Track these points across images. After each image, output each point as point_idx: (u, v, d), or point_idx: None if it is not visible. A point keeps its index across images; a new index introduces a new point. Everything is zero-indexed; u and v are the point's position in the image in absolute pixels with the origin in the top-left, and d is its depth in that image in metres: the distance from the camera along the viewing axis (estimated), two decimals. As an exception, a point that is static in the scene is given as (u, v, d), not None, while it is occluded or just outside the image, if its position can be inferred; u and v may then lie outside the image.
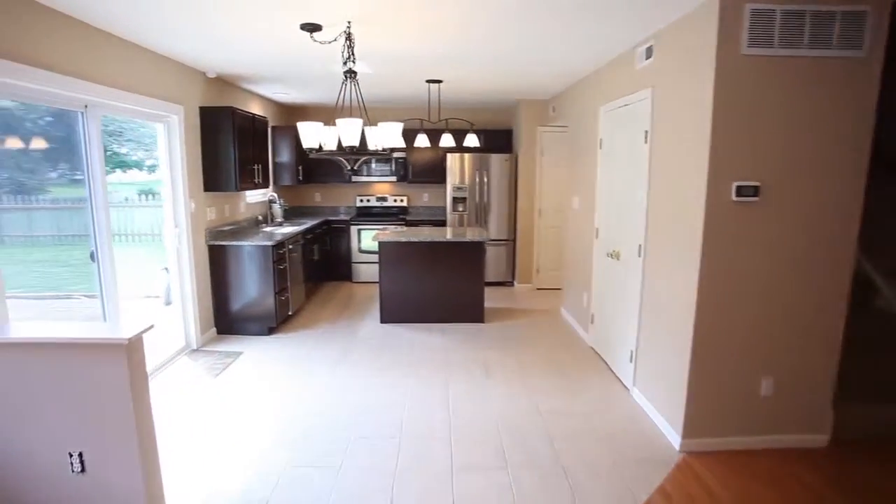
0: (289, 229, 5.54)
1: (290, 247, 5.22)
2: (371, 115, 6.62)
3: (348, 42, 3.08)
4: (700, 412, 2.86)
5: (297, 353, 4.37)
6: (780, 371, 2.82)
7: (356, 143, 3.02)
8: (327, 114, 3.08)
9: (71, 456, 2.15)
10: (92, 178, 3.29)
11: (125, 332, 2.05)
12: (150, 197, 4.68)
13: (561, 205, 6.20)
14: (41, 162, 3.16)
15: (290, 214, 7.00)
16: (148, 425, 2.22)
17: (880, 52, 2.53)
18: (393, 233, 5.44)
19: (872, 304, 3.03)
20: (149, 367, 3.83)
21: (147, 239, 4.94)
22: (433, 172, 7.08)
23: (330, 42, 3.17)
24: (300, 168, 6.71)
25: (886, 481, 2.64)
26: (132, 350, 2.09)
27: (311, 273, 6.12)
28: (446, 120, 5.55)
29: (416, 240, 5.08)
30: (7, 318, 2.58)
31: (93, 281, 3.42)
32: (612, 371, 3.98)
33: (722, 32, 2.52)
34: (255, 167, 5.10)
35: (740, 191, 2.63)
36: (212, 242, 4.68)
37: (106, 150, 5.12)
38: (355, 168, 3.30)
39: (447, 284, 5.16)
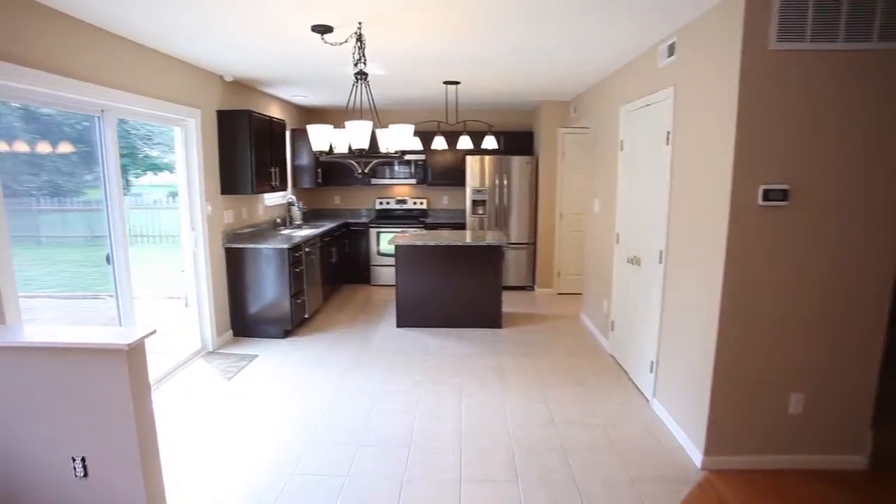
0: (306, 232, 5.54)
1: (307, 249, 5.22)
2: (387, 117, 6.68)
3: (359, 43, 3.03)
4: (723, 428, 2.70)
5: (310, 357, 4.35)
6: (810, 387, 2.64)
7: (366, 145, 2.97)
8: (345, 117, 3.04)
9: (74, 460, 2.14)
10: (108, 181, 3.32)
11: (125, 338, 2.03)
12: (177, 199, 4.77)
13: (582, 208, 6.05)
14: (78, 165, 3.28)
15: (310, 217, 7.03)
16: (149, 430, 2.20)
17: (925, 45, 2.35)
18: (409, 236, 5.38)
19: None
20: (164, 369, 3.92)
21: (174, 240, 5.02)
22: (453, 175, 7.01)
23: (341, 44, 3.13)
24: (319, 171, 6.73)
25: (930, 509, 2.45)
26: (133, 356, 2.07)
27: (329, 276, 6.11)
28: (464, 122, 5.47)
29: (432, 243, 5.01)
30: (20, 317, 2.61)
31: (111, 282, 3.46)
32: (631, 381, 3.83)
33: (748, 26, 2.37)
34: (272, 170, 5.11)
35: (768, 195, 2.47)
36: (228, 245, 4.70)
37: (137, 154, 5.24)
38: (366, 171, 3.25)
39: (464, 289, 5.07)
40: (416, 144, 5.11)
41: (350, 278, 7.00)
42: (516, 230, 6.69)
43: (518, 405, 3.46)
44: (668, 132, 3.18)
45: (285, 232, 5.60)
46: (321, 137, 3.02)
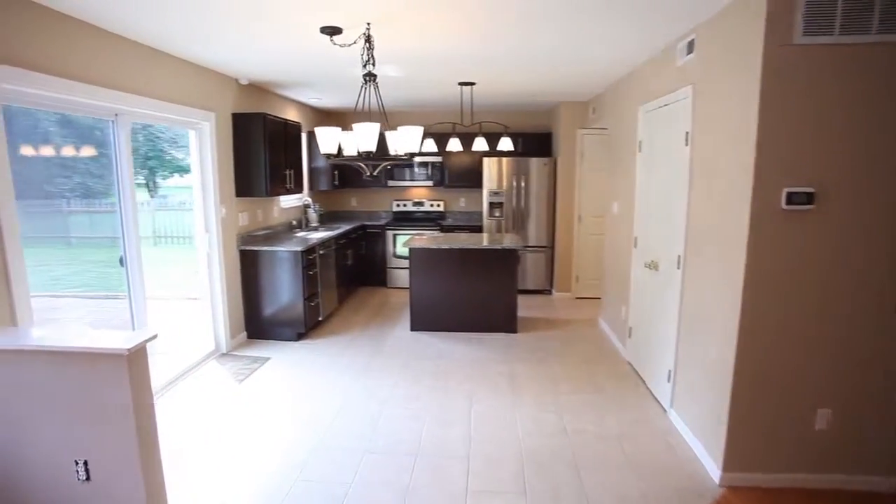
0: (322, 234, 5.54)
1: (322, 252, 5.21)
2: (403, 118, 6.64)
3: (368, 44, 2.99)
4: (743, 443, 2.56)
5: (322, 361, 4.33)
6: (838, 402, 2.49)
7: (373, 147, 2.92)
8: (359, 119, 3.00)
9: (77, 464, 2.14)
10: (122, 183, 3.35)
11: (126, 343, 2.02)
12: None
13: (601, 211, 5.90)
14: (107, 167, 3.35)
15: (326, 219, 7.04)
16: (150, 434, 2.19)
17: (964, 38, 2.19)
18: (424, 239, 5.33)
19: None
20: (177, 371, 3.94)
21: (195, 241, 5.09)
22: (470, 177, 6.94)
23: (349, 45, 3.10)
24: (336, 173, 6.74)
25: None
26: (134, 360, 2.06)
27: (345, 278, 6.10)
28: (480, 123, 5.39)
29: (446, 246, 4.95)
30: (31, 319, 2.64)
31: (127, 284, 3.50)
32: (648, 389, 3.70)
33: (771, 21, 2.25)
34: (287, 172, 5.12)
35: (791, 198, 2.34)
36: (243, 247, 4.72)
37: (165, 156, 5.33)
38: (374, 174, 3.20)
39: (479, 292, 5.00)
40: (430, 146, 5.06)
41: (366, 281, 6.99)
42: (534, 233, 6.58)
43: (530, 413, 3.37)
44: (687, 132, 3.05)
45: (300, 234, 5.60)
46: (329, 139, 2.99)
